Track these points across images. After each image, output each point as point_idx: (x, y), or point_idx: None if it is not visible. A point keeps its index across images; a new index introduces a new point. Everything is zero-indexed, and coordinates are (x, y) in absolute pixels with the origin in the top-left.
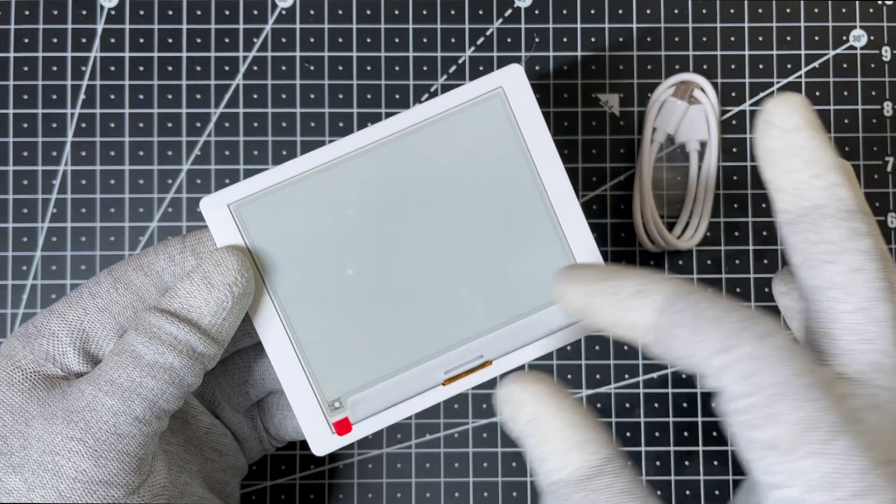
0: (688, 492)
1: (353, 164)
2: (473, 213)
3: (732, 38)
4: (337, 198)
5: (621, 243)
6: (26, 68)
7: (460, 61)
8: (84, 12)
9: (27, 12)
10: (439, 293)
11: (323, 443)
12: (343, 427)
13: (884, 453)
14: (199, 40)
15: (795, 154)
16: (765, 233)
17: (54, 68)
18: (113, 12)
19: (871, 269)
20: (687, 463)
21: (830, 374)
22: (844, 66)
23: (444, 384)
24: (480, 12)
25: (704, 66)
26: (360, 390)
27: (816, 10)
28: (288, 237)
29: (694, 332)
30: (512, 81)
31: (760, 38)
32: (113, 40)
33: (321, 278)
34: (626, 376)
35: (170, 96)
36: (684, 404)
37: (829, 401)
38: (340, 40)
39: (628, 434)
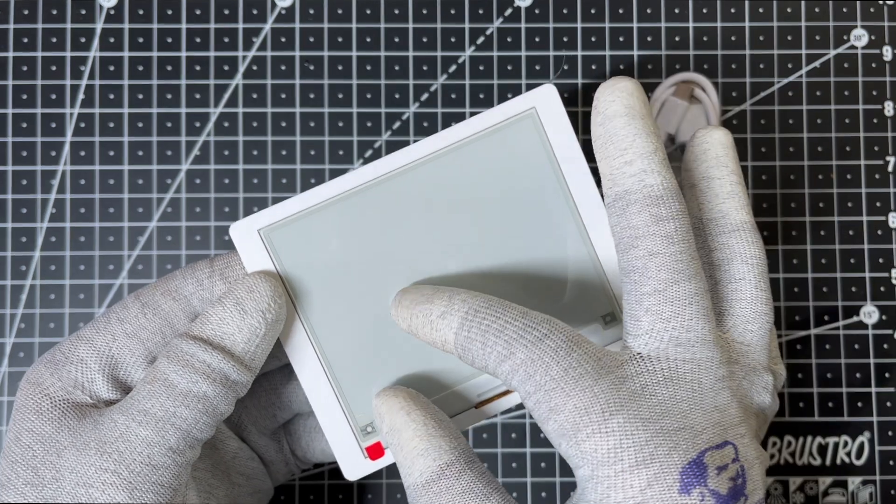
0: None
1: (384, 188)
2: (506, 236)
3: (733, 38)
4: (368, 222)
5: None
6: (25, 68)
7: (460, 61)
8: (83, 12)
9: (26, 12)
10: None
11: (355, 467)
12: (376, 452)
13: (675, 421)
14: (198, 40)
15: (612, 141)
16: (765, 232)
17: (53, 68)
18: (112, 12)
19: (667, 252)
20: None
21: (625, 356)
22: (845, 65)
23: (476, 407)
24: (480, 12)
25: (705, 66)
26: None
27: (817, 10)
28: (318, 262)
29: (483, 345)
30: (545, 102)
31: (761, 38)
32: (112, 40)
33: (352, 302)
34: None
35: (169, 96)
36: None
37: (605, 385)
38: (340, 40)
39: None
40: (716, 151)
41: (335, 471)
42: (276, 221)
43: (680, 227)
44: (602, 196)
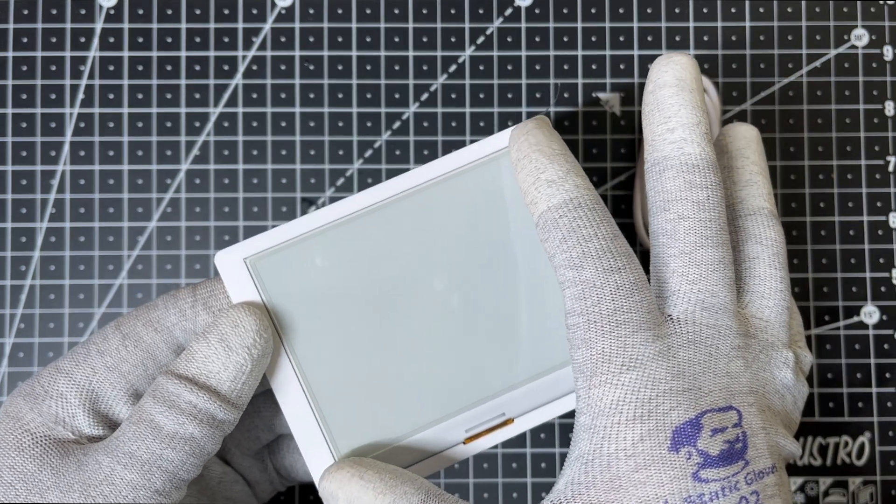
0: None
1: (370, 220)
2: (494, 268)
3: (733, 38)
4: (354, 252)
5: None
6: (25, 68)
7: (460, 61)
8: (83, 12)
9: (26, 11)
10: (459, 350)
11: None
12: None
13: (685, 382)
14: (198, 39)
15: (658, 108)
16: None
17: (53, 68)
18: (112, 11)
19: (697, 217)
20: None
21: (663, 316)
22: (846, 65)
23: (465, 442)
24: (480, 12)
25: (705, 66)
26: (379, 449)
27: (817, 10)
28: (304, 292)
29: (562, 240)
30: None
31: (761, 38)
32: (112, 40)
33: (338, 334)
34: None
35: (169, 96)
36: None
37: (638, 338)
38: (340, 40)
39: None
40: (737, 144)
41: None
42: (262, 250)
43: (712, 195)
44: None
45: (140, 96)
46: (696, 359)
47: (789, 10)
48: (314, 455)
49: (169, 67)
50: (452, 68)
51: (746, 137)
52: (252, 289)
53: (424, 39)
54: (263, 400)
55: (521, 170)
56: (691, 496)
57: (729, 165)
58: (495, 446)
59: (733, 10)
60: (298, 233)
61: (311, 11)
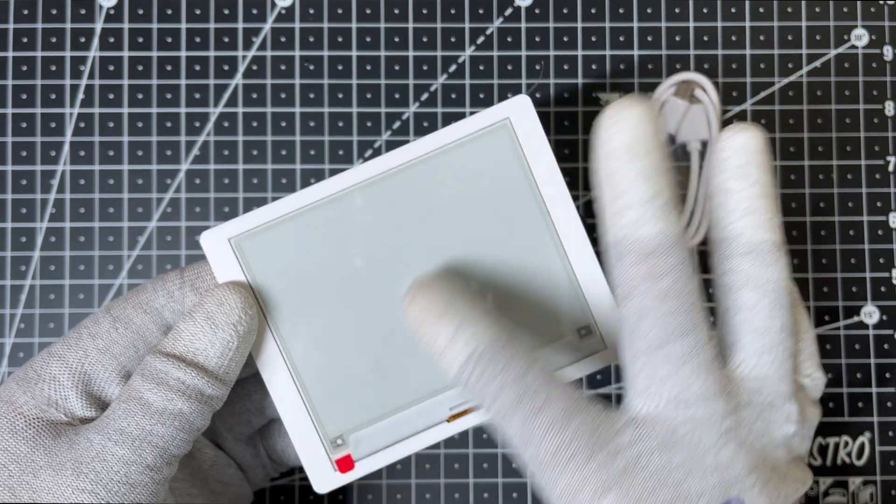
0: None
1: (356, 197)
2: (479, 247)
3: (733, 38)
4: (340, 231)
5: None
6: (25, 68)
7: (460, 61)
8: (83, 11)
9: (26, 11)
10: None
11: (325, 480)
12: (345, 465)
13: (669, 491)
14: (198, 39)
15: (608, 181)
16: None
17: (53, 68)
18: (112, 11)
19: (659, 311)
20: None
21: (621, 422)
22: (846, 65)
23: (448, 421)
24: (480, 12)
25: (705, 66)
26: (362, 427)
27: (817, 10)
28: (290, 272)
29: (481, 396)
30: (519, 112)
31: (762, 38)
32: (112, 40)
33: (323, 314)
34: None
35: (169, 96)
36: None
37: (597, 462)
38: (340, 40)
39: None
40: (737, 160)
41: None
42: (247, 230)
43: (676, 280)
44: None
45: (140, 96)
46: (674, 462)
47: (789, 10)
48: (300, 432)
49: (169, 67)
50: (452, 68)
51: (748, 150)
52: (237, 268)
53: (424, 39)
54: (254, 384)
55: (420, 343)
56: None
57: (725, 188)
58: (495, 446)
59: (733, 10)
60: (283, 212)
61: (311, 11)
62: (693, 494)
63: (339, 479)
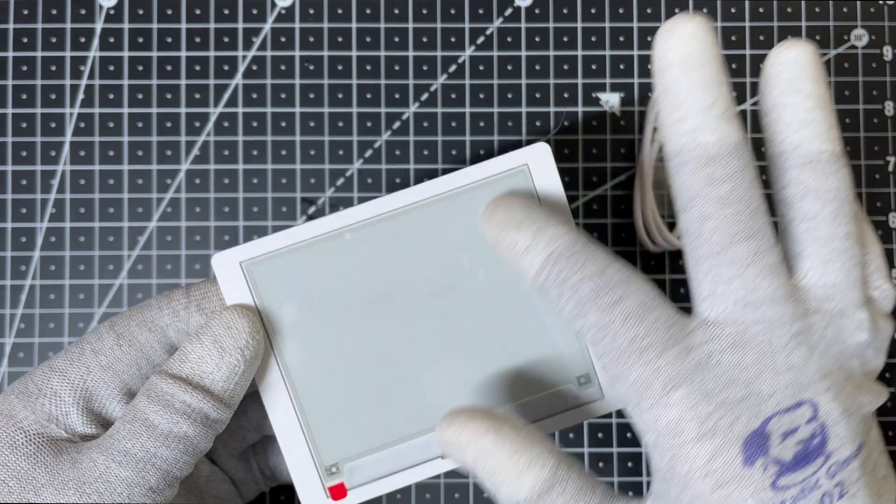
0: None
1: (371, 231)
2: (488, 290)
3: (733, 38)
4: (351, 263)
5: (621, 243)
6: (25, 68)
7: (460, 61)
8: (83, 12)
9: (26, 11)
10: (447, 365)
11: None
12: (338, 492)
13: (740, 390)
14: (198, 40)
15: (666, 94)
16: None
17: (53, 68)
18: (112, 12)
19: (720, 215)
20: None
21: (694, 322)
22: (845, 65)
23: (443, 457)
24: (480, 12)
25: None
26: (358, 457)
27: (817, 10)
28: (298, 299)
29: (559, 295)
30: (538, 159)
31: (761, 38)
32: (112, 40)
33: (328, 343)
34: None
35: (169, 96)
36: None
37: (669, 357)
38: (340, 40)
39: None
40: (788, 74)
41: None
42: (259, 255)
43: (737, 186)
44: None
45: (140, 96)
46: (746, 361)
47: (789, 10)
48: (296, 457)
49: (169, 67)
50: (452, 68)
51: (800, 64)
52: (246, 292)
53: (424, 39)
54: (251, 401)
55: (501, 251)
56: None
57: (779, 102)
58: None
59: (733, 11)
60: (296, 240)
61: (311, 11)
62: (765, 392)
63: None
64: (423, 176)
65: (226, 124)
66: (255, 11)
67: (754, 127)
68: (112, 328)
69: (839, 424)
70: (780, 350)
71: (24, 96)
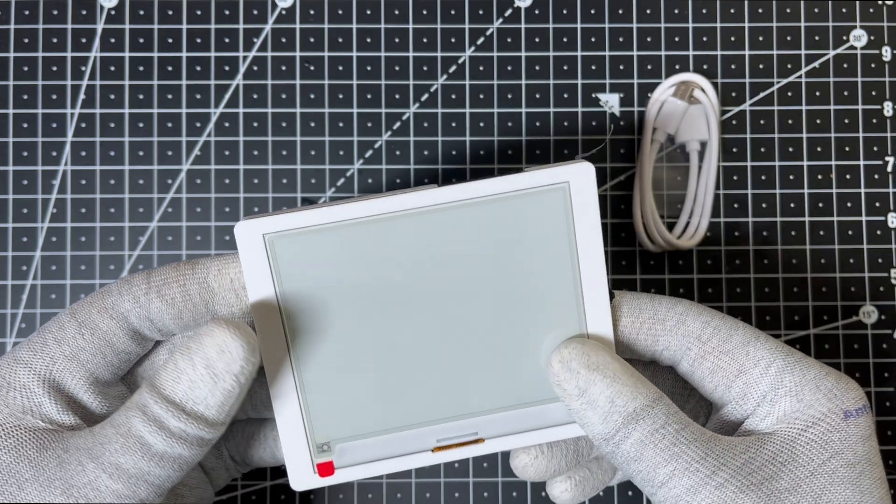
0: None
1: (398, 224)
2: (502, 297)
3: (733, 38)
4: (375, 252)
5: (621, 243)
6: (26, 68)
7: (460, 61)
8: (84, 12)
9: (27, 12)
10: (450, 365)
11: (303, 479)
12: (326, 469)
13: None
14: (198, 40)
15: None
16: (765, 233)
17: (54, 68)
18: (113, 12)
19: None
20: None
21: None
22: (844, 65)
23: (433, 451)
24: (480, 12)
25: (704, 66)
26: (351, 439)
27: (816, 10)
28: (316, 279)
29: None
30: (580, 179)
31: (761, 38)
32: (113, 40)
33: (339, 325)
34: None
35: (170, 96)
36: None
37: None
38: (340, 40)
39: None
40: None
41: None
42: (284, 230)
43: None
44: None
45: (141, 97)
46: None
47: (788, 10)
48: (289, 431)
49: (170, 68)
50: (452, 69)
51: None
52: (265, 265)
53: (424, 40)
54: None
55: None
56: None
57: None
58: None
59: (732, 11)
60: (323, 221)
61: (312, 12)
62: None
63: (316, 482)
64: (423, 176)
65: (226, 124)
66: (255, 12)
67: (754, 126)
68: (73, 316)
69: None
70: None
71: (26, 97)
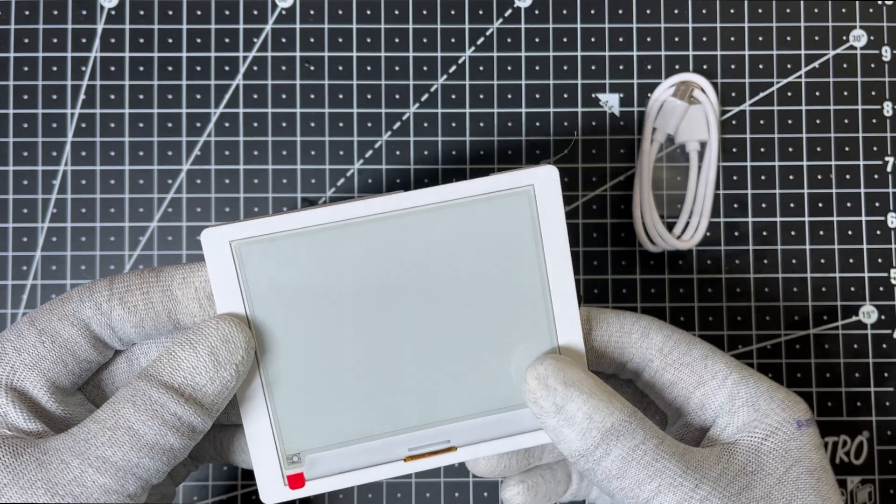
0: None
1: (365, 229)
2: (471, 302)
3: (732, 38)
4: (340, 258)
5: (621, 243)
6: (26, 68)
7: (460, 61)
8: (84, 12)
9: (27, 12)
10: (419, 373)
11: (273, 492)
12: (296, 482)
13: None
14: (199, 40)
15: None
16: (765, 233)
17: (54, 68)
18: (113, 12)
19: None
20: None
21: None
22: (844, 66)
23: (405, 460)
24: (480, 12)
25: (704, 66)
26: (322, 450)
27: (816, 10)
28: (283, 287)
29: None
30: (544, 182)
31: (760, 38)
32: (113, 40)
33: (307, 334)
34: None
35: (170, 96)
36: None
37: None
38: (340, 40)
39: None
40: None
41: None
42: (250, 237)
43: None
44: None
45: (141, 97)
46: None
47: (788, 10)
48: (258, 442)
49: (170, 68)
50: (452, 69)
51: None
52: (232, 272)
53: (424, 40)
54: None
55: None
56: None
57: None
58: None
59: (732, 11)
60: (290, 227)
61: (312, 12)
62: None
63: (286, 494)
64: (423, 176)
65: (227, 124)
66: (255, 12)
67: (754, 126)
68: (33, 324)
69: None
70: None
71: (26, 97)
